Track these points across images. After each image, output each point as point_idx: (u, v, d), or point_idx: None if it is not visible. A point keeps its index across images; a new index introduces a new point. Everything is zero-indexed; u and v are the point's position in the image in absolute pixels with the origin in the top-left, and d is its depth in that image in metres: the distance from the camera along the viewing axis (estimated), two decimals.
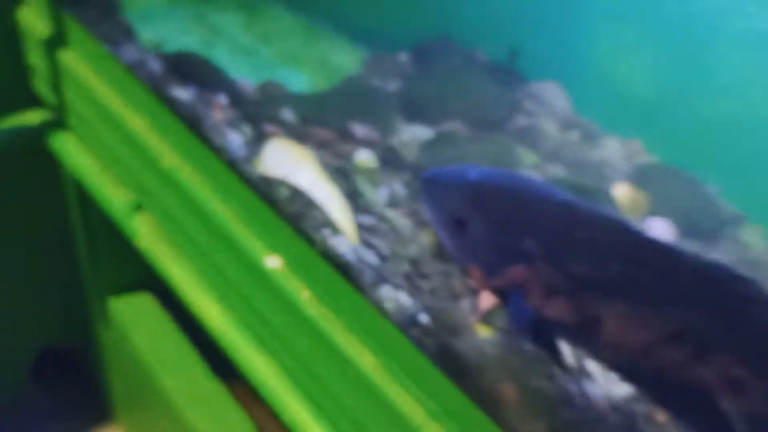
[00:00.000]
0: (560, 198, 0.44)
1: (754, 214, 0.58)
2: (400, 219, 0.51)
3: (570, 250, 0.42)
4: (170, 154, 0.61)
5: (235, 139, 0.55)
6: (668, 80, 0.64)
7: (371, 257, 0.48)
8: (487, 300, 0.47)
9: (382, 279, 0.47)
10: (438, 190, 0.47)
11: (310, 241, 0.50)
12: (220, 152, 0.55)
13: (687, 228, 0.56)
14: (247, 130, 0.56)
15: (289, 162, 0.51)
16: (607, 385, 0.44)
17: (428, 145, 0.55)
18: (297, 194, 0.51)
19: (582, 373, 0.44)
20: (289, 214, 0.51)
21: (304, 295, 0.52)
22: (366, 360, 0.49)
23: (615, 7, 0.66)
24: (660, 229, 0.55)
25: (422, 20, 0.69)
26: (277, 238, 0.53)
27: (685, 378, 0.38)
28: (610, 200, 0.55)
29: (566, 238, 0.42)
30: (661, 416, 0.41)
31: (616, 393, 0.44)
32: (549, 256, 0.42)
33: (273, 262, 0.54)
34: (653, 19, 0.65)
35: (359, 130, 0.57)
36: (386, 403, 0.47)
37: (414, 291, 0.47)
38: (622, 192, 0.55)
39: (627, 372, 0.42)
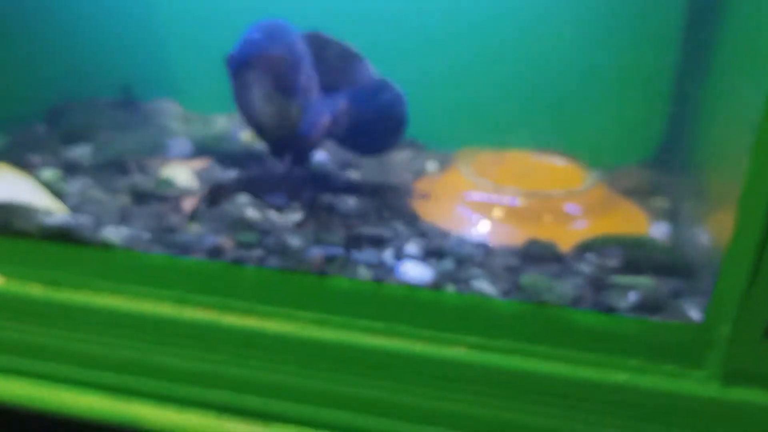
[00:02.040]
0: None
1: None
2: (98, 194, 0.65)
3: None
4: None
5: None
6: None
7: (86, 219, 0.60)
8: (189, 203, 0.63)
9: (100, 226, 0.59)
10: (257, 60, 0.54)
11: (25, 234, 0.59)
12: None
13: None
14: None
15: None
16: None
17: (96, 152, 0.71)
18: None
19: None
20: None
21: (37, 291, 0.60)
22: (116, 300, 0.58)
23: (183, 25, 0.84)
24: None
25: (38, 95, 0.81)
26: None
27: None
28: (240, 142, 0.77)
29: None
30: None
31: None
32: None
33: None
34: (212, 18, 0.83)
35: (35, 160, 0.70)
36: (161, 316, 0.57)
37: (131, 224, 0.61)
38: (245, 136, 0.78)
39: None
